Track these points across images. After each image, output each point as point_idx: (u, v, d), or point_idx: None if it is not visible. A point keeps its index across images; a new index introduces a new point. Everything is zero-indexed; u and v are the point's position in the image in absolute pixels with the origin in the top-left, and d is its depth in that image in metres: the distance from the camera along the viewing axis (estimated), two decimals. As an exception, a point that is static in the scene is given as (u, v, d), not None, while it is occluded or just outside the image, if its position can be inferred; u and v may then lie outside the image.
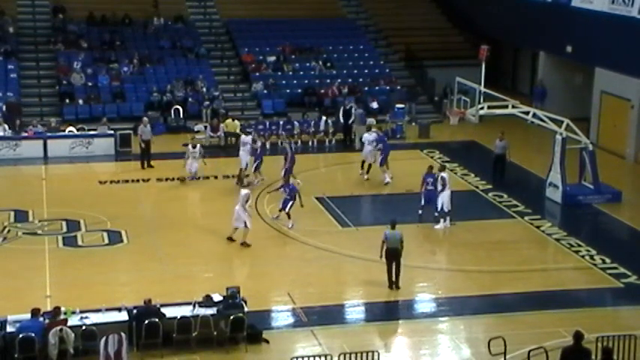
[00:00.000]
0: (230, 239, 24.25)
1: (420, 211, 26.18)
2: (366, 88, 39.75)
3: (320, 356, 17.09)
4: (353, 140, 35.00)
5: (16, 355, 17.36)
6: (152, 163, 31.48)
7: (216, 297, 19.27)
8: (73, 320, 18.08)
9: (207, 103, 37.43)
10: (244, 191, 24.60)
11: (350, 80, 40.18)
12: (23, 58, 39.57)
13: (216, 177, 30.55)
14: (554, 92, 38.69)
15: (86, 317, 18.32)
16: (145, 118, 32.67)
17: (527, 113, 29.59)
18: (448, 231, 25.82)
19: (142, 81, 39.04)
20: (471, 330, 19.99)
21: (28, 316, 17.87)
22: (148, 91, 38.11)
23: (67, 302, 18.84)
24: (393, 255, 21.37)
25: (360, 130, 34.27)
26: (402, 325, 20.32)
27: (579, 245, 24.77)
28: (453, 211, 26.05)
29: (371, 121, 36.37)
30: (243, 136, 30.77)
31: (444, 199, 25.87)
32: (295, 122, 35.46)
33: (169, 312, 18.59)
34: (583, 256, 24.03)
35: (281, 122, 35.30)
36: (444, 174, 26.33)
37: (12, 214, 26.52)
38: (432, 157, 33.03)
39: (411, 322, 20.39)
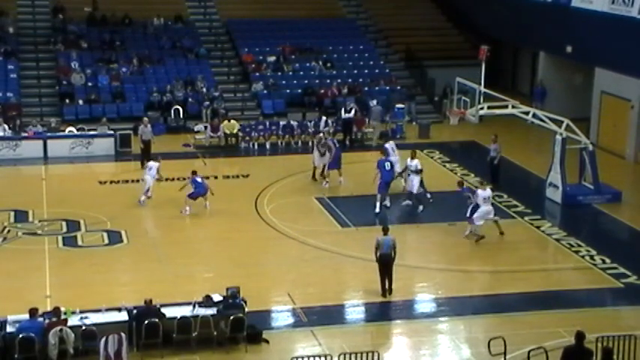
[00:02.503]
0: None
1: (420, 210, 26.24)
2: (366, 88, 39.75)
3: (320, 356, 17.10)
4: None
5: (16, 356, 17.37)
6: None
7: (216, 297, 19.28)
8: (73, 320, 18.08)
9: (207, 103, 37.43)
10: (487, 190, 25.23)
11: (350, 80, 40.17)
12: (23, 58, 39.58)
13: (216, 177, 30.54)
14: (554, 92, 38.68)
15: (86, 317, 18.31)
16: (146, 119, 32.68)
17: (527, 113, 29.58)
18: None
19: (141, 81, 39.05)
20: (471, 330, 19.99)
21: (28, 316, 17.87)
22: (147, 91, 38.12)
23: (67, 302, 18.83)
24: (385, 261, 21.19)
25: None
26: (402, 326, 20.32)
27: (579, 245, 24.77)
28: (455, 211, 26.11)
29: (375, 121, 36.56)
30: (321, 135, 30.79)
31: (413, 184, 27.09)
32: (294, 123, 35.48)
33: (169, 312, 18.59)
34: (583, 256, 24.02)
35: (281, 123, 35.29)
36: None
37: (12, 214, 26.52)
38: (431, 158, 33.03)
39: (411, 322, 20.39)
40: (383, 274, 21.24)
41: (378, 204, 26.80)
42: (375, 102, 37.81)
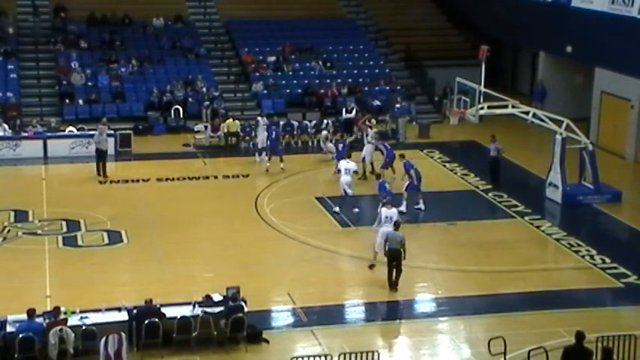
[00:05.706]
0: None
1: (421, 208, 26.23)
2: (366, 88, 39.75)
3: (320, 356, 17.10)
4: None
5: (16, 356, 17.36)
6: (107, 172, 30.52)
7: (216, 297, 19.27)
8: (73, 320, 18.06)
9: (207, 103, 37.44)
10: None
11: (350, 80, 40.17)
12: (23, 58, 39.58)
13: (216, 177, 30.56)
14: (554, 92, 38.67)
15: (86, 317, 18.30)
16: (104, 119, 32.19)
17: (527, 113, 29.58)
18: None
19: (141, 81, 39.04)
20: (471, 330, 19.99)
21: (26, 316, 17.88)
22: (147, 91, 38.10)
23: (67, 302, 18.81)
24: (393, 256, 21.29)
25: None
26: (402, 325, 20.32)
27: (579, 245, 24.76)
28: (454, 210, 26.10)
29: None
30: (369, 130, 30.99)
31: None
32: (294, 123, 35.50)
33: (169, 312, 18.58)
34: (583, 256, 24.02)
35: (281, 123, 35.30)
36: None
37: (12, 214, 26.52)
38: (431, 157, 33.03)
39: (411, 322, 20.39)
40: (391, 267, 21.33)
41: (404, 203, 26.52)
42: (399, 99, 37.23)
